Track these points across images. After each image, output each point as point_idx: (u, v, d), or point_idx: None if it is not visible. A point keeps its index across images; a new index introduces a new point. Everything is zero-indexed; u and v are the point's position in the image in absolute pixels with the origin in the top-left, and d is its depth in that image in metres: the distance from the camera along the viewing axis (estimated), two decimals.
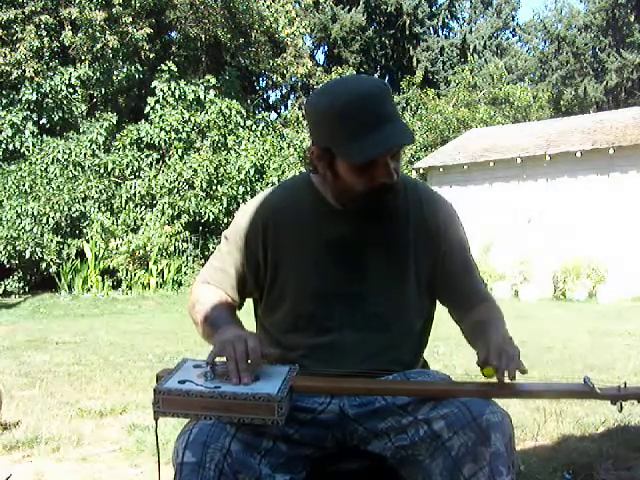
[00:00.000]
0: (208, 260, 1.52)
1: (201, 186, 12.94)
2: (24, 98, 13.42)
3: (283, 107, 23.48)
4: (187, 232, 13.03)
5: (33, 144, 13.35)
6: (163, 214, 12.92)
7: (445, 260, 1.44)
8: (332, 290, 1.38)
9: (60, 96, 13.76)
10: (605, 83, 25.14)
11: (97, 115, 14.34)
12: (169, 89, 13.93)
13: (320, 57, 26.10)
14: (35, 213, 12.06)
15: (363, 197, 1.31)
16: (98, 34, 13.91)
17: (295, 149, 14.47)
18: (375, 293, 1.39)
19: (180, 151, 13.53)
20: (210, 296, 1.43)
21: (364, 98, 1.23)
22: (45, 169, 12.90)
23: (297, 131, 15.90)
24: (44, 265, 12.05)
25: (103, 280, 12.14)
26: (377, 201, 1.32)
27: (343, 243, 1.38)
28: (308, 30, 19.08)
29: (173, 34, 18.04)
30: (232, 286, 1.45)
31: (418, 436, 1.23)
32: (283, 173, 13.57)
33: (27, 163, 12.97)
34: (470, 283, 1.48)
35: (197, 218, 13.11)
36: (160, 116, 13.67)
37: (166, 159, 13.71)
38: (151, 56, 15.70)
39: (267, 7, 16.27)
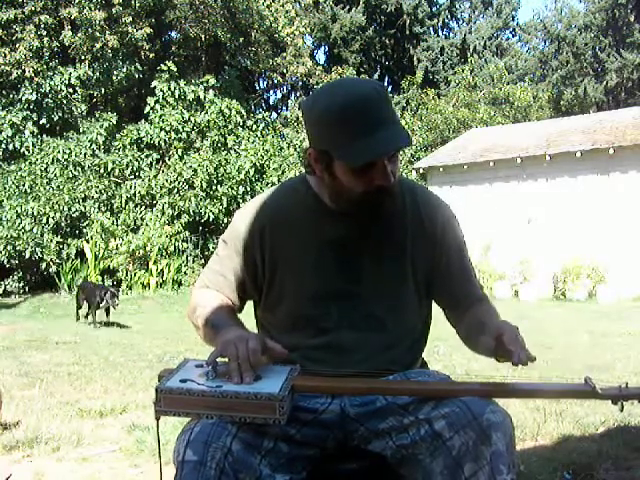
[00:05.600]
0: (206, 265, 1.53)
1: (201, 186, 12.94)
2: (24, 98, 13.41)
3: (283, 107, 23.51)
4: (187, 232, 13.03)
5: (33, 144, 13.34)
6: (163, 214, 12.92)
7: (442, 263, 1.45)
8: (330, 291, 1.38)
9: (60, 96, 13.75)
10: (605, 83, 25.14)
11: (97, 115, 14.33)
12: (169, 89, 13.92)
13: (320, 57, 26.14)
14: (35, 213, 12.06)
15: (360, 199, 1.31)
16: (98, 34, 13.91)
17: (295, 149, 14.47)
18: (372, 293, 1.39)
19: (180, 151, 13.53)
20: (210, 299, 1.44)
21: (361, 101, 1.23)
22: (45, 169, 12.90)
23: (297, 131, 15.91)
24: (44, 265, 12.05)
25: (103, 280, 12.13)
26: (374, 203, 1.32)
27: (340, 244, 1.39)
28: (308, 30, 19.07)
29: (173, 34, 18.06)
30: (231, 289, 1.45)
31: (419, 435, 1.24)
32: (283, 173, 13.57)
33: (27, 163, 12.97)
34: (467, 286, 1.48)
35: (197, 218, 13.11)
36: (160, 116, 13.67)
37: (166, 159, 13.71)
38: (151, 56, 15.70)
39: (267, 7, 16.26)
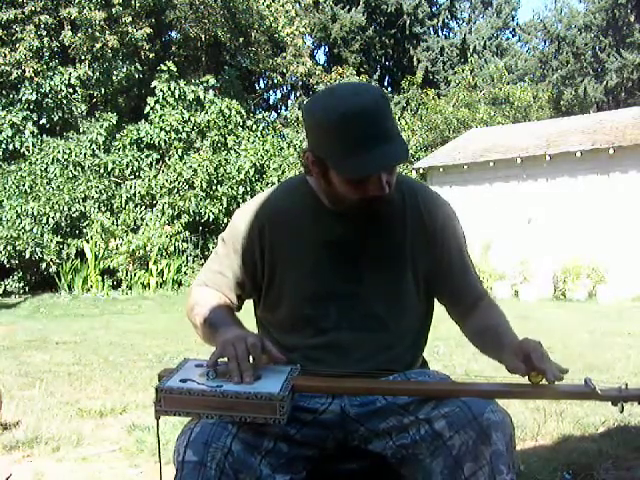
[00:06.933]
0: (205, 263, 1.52)
1: (201, 186, 12.94)
2: (24, 98, 13.41)
3: (283, 107, 23.51)
4: (187, 232, 13.03)
5: (33, 144, 13.34)
6: (163, 214, 12.92)
7: (443, 261, 1.45)
8: (329, 291, 1.38)
9: (60, 96, 13.75)
10: (605, 83, 25.15)
11: (97, 115, 14.34)
12: (169, 89, 13.92)
13: (320, 57, 26.14)
14: (35, 213, 12.06)
15: (356, 205, 1.31)
16: (98, 34, 13.91)
17: (295, 149, 14.47)
18: (372, 293, 1.39)
19: (180, 151, 13.53)
20: (209, 298, 1.43)
21: (360, 114, 1.21)
22: (45, 169, 12.90)
23: (297, 131, 15.90)
24: (44, 265, 12.05)
25: (103, 280, 12.13)
26: (370, 208, 1.32)
27: (340, 244, 1.39)
28: (308, 30, 19.07)
29: (173, 34, 18.06)
30: (230, 288, 1.45)
31: (419, 435, 1.24)
32: (283, 173, 13.57)
33: (27, 163, 12.97)
34: (468, 283, 1.48)
35: (197, 218, 13.11)
36: (160, 116, 13.67)
37: (166, 159, 13.71)
38: (151, 56, 15.70)
39: (267, 7, 16.27)
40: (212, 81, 14.53)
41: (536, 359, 1.20)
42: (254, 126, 15.04)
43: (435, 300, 1.52)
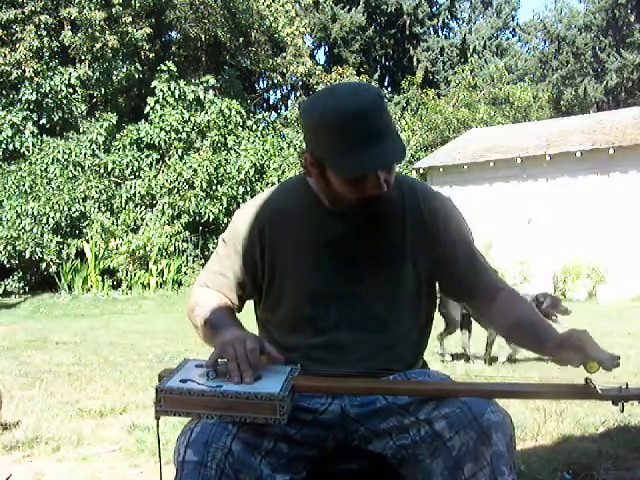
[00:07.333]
0: (206, 264, 1.52)
1: (201, 186, 12.95)
2: (24, 98, 13.42)
3: (283, 107, 23.51)
4: (187, 232, 13.03)
5: (33, 144, 13.35)
6: (163, 214, 12.93)
7: (448, 256, 1.43)
8: (330, 290, 1.38)
9: (60, 96, 13.76)
10: (605, 83, 25.15)
11: (97, 115, 14.35)
12: (169, 89, 13.93)
13: (320, 57, 26.14)
14: (35, 213, 12.07)
15: (355, 204, 1.31)
16: (98, 34, 13.92)
17: (295, 149, 14.48)
18: (372, 293, 1.38)
19: (180, 151, 13.54)
20: (209, 299, 1.43)
21: (357, 113, 1.22)
22: (45, 169, 12.91)
23: (297, 131, 15.90)
24: (44, 265, 12.06)
25: (103, 280, 12.14)
26: (369, 208, 1.32)
27: (340, 243, 1.39)
28: (308, 30, 19.09)
29: (173, 34, 18.07)
30: (231, 289, 1.45)
31: (419, 436, 1.24)
32: (283, 173, 13.58)
33: (27, 163, 12.98)
34: (480, 275, 1.46)
35: (197, 218, 13.12)
36: (160, 116, 13.67)
37: (166, 159, 13.72)
38: (151, 56, 15.71)
39: (267, 7, 16.27)
40: (212, 81, 14.54)
41: (592, 349, 1.21)
42: (254, 126, 15.06)
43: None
